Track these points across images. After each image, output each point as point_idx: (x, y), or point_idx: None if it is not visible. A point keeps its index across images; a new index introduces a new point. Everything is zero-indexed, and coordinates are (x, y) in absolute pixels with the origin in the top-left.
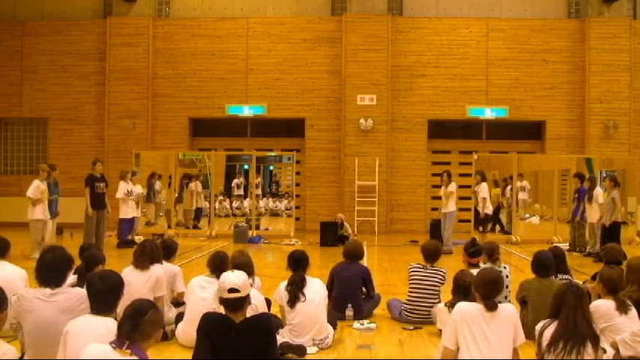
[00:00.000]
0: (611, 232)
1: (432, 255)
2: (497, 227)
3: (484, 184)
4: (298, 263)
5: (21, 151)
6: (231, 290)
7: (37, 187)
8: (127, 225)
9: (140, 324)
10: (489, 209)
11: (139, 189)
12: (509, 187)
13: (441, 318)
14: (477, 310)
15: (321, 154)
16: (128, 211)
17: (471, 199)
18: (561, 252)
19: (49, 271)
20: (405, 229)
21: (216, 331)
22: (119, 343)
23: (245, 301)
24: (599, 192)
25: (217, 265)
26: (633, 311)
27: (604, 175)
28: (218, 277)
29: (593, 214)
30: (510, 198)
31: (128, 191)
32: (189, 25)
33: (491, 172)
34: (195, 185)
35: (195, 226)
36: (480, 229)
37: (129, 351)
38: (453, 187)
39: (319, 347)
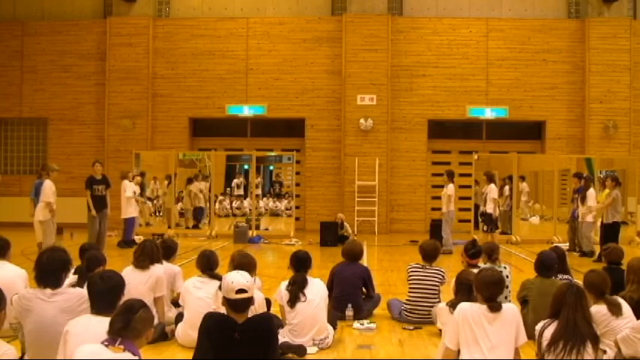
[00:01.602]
0: (612, 232)
1: (430, 254)
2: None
3: (493, 185)
4: (302, 264)
5: (21, 151)
6: (240, 291)
7: (51, 189)
8: (131, 225)
9: (131, 322)
10: (496, 210)
11: (137, 189)
12: (506, 187)
13: (442, 317)
14: (479, 311)
15: (321, 154)
16: (131, 210)
17: (470, 199)
18: (562, 252)
19: (46, 272)
20: (405, 229)
21: (219, 332)
22: (112, 340)
23: (250, 301)
24: (591, 193)
25: (206, 264)
26: (626, 310)
27: (604, 174)
28: (210, 276)
29: (584, 215)
30: (508, 198)
31: (134, 192)
32: (189, 25)
33: (492, 172)
34: (195, 185)
35: (195, 226)
36: (485, 228)
37: (122, 347)
38: (450, 189)
39: (319, 347)
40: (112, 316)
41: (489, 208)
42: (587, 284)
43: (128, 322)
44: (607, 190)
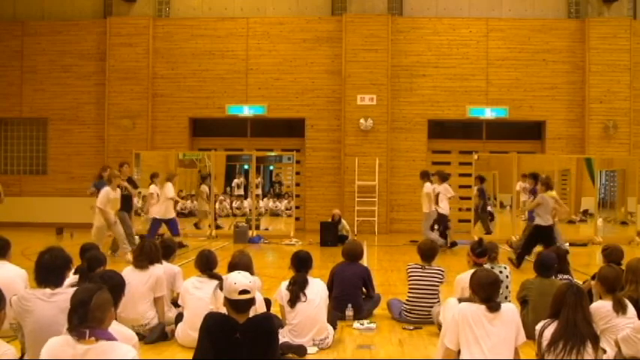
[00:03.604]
0: (541, 235)
1: (427, 254)
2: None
3: (446, 185)
4: (303, 264)
5: (21, 151)
6: (242, 292)
7: (106, 196)
8: (175, 225)
9: (88, 313)
10: (446, 210)
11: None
12: (475, 187)
13: (447, 312)
14: (479, 311)
15: (321, 154)
16: (169, 211)
17: (470, 199)
18: (563, 252)
19: (48, 271)
20: (405, 229)
21: (220, 332)
22: (80, 334)
23: (252, 302)
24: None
25: (205, 264)
26: (631, 310)
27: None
28: (209, 276)
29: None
30: (476, 197)
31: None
32: (189, 25)
33: (492, 172)
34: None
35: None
36: (436, 227)
37: (92, 338)
38: (427, 187)
39: (319, 347)
40: (68, 312)
41: (443, 208)
42: (600, 277)
43: (84, 316)
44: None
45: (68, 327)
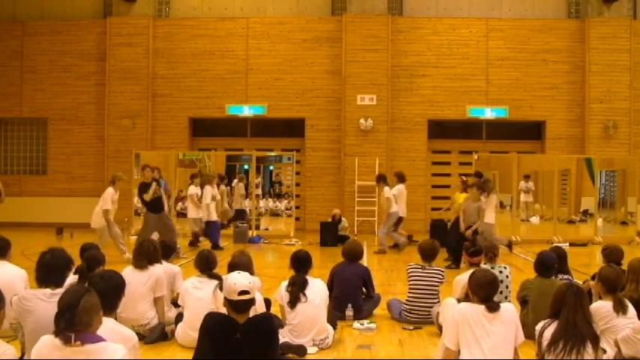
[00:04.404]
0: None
1: (428, 254)
2: None
3: (401, 186)
4: (302, 264)
5: (21, 151)
6: (242, 292)
7: (112, 196)
8: (216, 227)
9: (75, 317)
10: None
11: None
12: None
13: (447, 312)
14: (479, 311)
15: (321, 154)
16: (213, 214)
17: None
18: (563, 252)
19: (49, 271)
20: (405, 229)
21: (220, 332)
22: (66, 337)
23: (252, 302)
24: (493, 197)
25: (205, 264)
26: (631, 310)
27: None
28: (209, 276)
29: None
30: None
31: (213, 196)
32: (189, 25)
33: (492, 172)
34: (239, 187)
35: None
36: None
37: (79, 342)
38: (387, 192)
39: (319, 347)
40: (55, 315)
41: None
42: (602, 277)
43: (72, 319)
44: (463, 194)
45: (55, 330)
